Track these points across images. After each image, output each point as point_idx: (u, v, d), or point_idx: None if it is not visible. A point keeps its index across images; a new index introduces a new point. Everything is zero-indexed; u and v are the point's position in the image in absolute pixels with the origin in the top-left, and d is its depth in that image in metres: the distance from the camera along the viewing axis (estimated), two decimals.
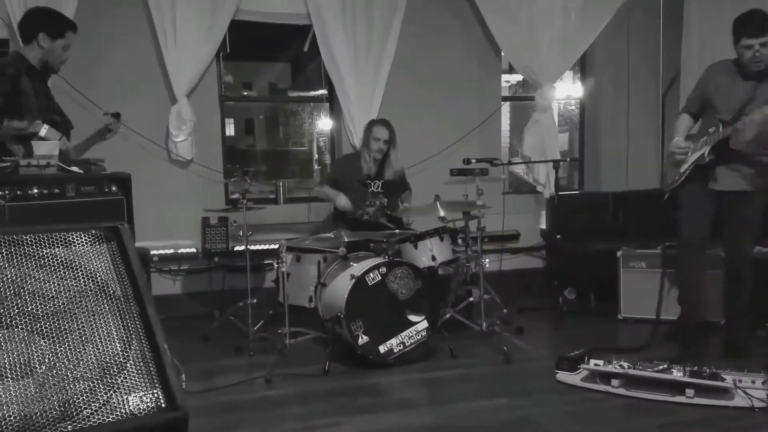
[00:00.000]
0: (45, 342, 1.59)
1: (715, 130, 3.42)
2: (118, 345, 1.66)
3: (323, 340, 3.79)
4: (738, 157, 3.38)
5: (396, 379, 3.37)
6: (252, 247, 4.12)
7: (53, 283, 1.68)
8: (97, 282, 1.74)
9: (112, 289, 1.75)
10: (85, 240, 1.80)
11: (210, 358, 3.78)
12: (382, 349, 3.52)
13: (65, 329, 1.63)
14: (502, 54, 5.56)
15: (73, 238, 1.78)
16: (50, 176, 2.73)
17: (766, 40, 3.24)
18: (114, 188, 2.84)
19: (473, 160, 4.48)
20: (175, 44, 4.68)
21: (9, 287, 1.62)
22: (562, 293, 4.67)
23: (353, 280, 3.48)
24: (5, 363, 1.51)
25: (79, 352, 1.61)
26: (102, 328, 1.67)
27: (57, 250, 1.74)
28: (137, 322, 1.71)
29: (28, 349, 1.56)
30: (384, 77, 5.12)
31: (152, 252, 4.44)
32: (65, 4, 4.32)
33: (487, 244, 4.49)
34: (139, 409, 1.57)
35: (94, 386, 1.56)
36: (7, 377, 1.50)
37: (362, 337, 3.47)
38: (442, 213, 4.03)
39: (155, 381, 1.63)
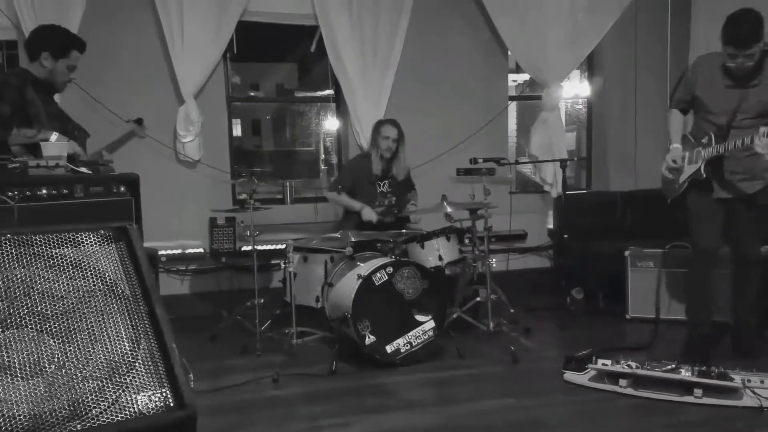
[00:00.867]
0: (54, 342, 1.60)
1: (708, 141, 3.36)
2: (127, 345, 1.67)
3: (330, 340, 3.80)
4: (732, 162, 3.34)
5: (403, 379, 3.37)
6: (259, 248, 4.14)
7: (62, 283, 1.70)
8: (106, 282, 1.75)
9: (120, 289, 1.76)
10: (94, 240, 1.81)
11: (217, 357, 3.79)
12: (389, 348, 3.52)
13: (74, 329, 1.64)
14: (509, 53, 5.54)
15: (82, 239, 1.80)
16: (59, 177, 2.73)
17: (750, 53, 3.12)
18: (122, 189, 2.85)
19: (480, 160, 4.49)
20: (182, 45, 4.70)
21: (18, 287, 1.63)
22: (569, 293, 4.65)
23: (360, 280, 3.48)
24: (15, 362, 1.53)
25: (88, 351, 1.62)
26: (111, 327, 1.68)
27: (66, 250, 1.75)
28: (146, 322, 1.73)
29: (37, 349, 1.57)
30: (391, 77, 5.12)
31: (160, 252, 4.46)
32: (73, 8, 4.35)
33: (494, 244, 4.49)
34: (148, 408, 1.58)
35: (103, 385, 1.57)
36: (16, 376, 1.51)
37: (369, 337, 3.48)
38: (449, 212, 4.02)
39: (164, 380, 1.64)
